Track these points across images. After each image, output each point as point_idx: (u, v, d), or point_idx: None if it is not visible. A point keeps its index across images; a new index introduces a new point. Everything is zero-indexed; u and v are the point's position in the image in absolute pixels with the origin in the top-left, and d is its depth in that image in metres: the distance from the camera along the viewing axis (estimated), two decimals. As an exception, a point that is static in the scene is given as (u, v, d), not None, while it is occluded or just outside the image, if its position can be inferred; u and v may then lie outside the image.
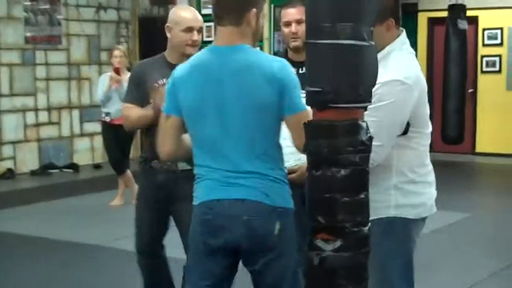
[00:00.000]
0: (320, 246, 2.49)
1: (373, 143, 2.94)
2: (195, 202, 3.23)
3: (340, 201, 2.46)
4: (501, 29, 12.00)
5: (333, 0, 2.45)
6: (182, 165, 4.07)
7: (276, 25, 11.06)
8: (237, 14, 3.04)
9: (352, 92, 2.45)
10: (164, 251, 4.42)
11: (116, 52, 8.26)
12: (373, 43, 2.49)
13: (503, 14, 11.88)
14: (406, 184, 3.30)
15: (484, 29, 12.14)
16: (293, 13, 4.07)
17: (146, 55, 12.11)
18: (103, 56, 11.97)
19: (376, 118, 3.05)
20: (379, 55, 3.23)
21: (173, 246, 4.39)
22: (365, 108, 2.54)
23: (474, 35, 11.95)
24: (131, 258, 4.53)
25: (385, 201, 3.28)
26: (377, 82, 3.10)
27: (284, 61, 3.16)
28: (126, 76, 8.19)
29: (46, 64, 11.35)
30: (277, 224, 3.10)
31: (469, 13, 10.65)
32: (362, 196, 2.51)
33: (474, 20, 11.77)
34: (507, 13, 11.80)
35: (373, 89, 3.07)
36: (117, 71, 8.16)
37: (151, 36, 12.41)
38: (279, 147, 3.17)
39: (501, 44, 11.98)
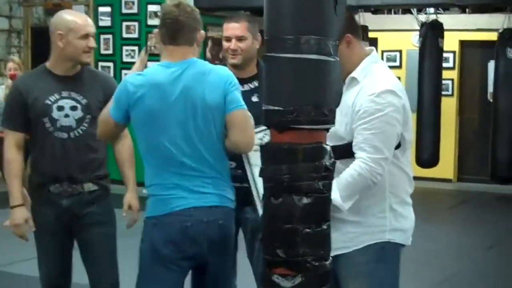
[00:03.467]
0: (278, 282, 2.26)
1: (377, 155, 2.97)
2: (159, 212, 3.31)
3: (301, 233, 2.24)
4: (400, 51, 12.13)
5: (296, 10, 2.23)
6: (88, 186, 3.81)
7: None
8: (191, 35, 3.34)
9: (316, 112, 2.23)
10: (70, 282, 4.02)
11: (10, 64, 7.83)
12: (338, 58, 2.28)
13: (402, 36, 12.00)
14: (398, 205, 3.16)
15: (383, 51, 12.23)
16: (234, 28, 3.82)
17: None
18: (-7, 66, 11.38)
19: (377, 129, 2.97)
20: (357, 72, 3.08)
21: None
22: (328, 130, 2.32)
23: (373, 57, 12.01)
24: (30, 283, 4.14)
25: (380, 225, 3.12)
26: (368, 93, 2.98)
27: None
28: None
29: None
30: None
31: (369, 34, 10.69)
32: (325, 227, 2.29)
33: (374, 42, 11.82)
34: (406, 36, 11.92)
35: (362, 100, 2.96)
36: (13, 77, 7.66)
37: (44, 47, 11.92)
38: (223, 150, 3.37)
39: (400, 66, 12.10)
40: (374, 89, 3.01)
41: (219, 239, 3.31)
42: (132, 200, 3.85)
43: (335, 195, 2.90)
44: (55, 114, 3.74)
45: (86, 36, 3.77)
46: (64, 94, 3.78)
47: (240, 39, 3.78)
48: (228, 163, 3.42)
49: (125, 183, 3.90)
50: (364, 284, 3.11)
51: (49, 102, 3.75)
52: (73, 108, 3.76)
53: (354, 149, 3.00)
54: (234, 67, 3.81)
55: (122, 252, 3.98)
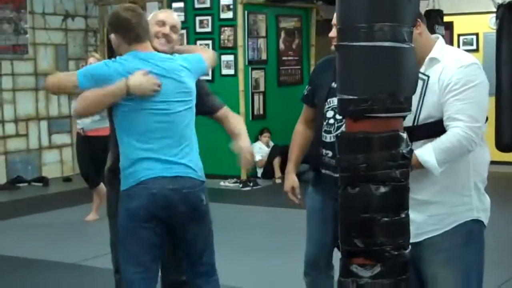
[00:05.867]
0: (357, 272, 2.25)
1: (474, 124, 2.97)
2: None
3: (379, 222, 2.22)
4: (477, 34, 11.89)
5: (368, -2, 2.20)
6: None
7: (250, 32, 10.81)
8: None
9: (391, 100, 2.21)
10: None
11: (92, 60, 7.92)
12: (413, 45, 2.25)
13: (478, 19, 11.75)
14: (481, 184, 3.17)
15: (459, 35, 12.02)
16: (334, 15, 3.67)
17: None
18: (71, 65, 11.61)
19: (470, 99, 2.99)
20: (435, 53, 3.08)
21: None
22: (404, 118, 2.29)
23: (449, 41, 11.80)
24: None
25: (467, 204, 3.11)
26: (456, 67, 3.02)
27: None
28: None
29: (12, 74, 10.94)
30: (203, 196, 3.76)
31: (444, 18, 10.52)
32: (403, 215, 2.26)
33: (449, 26, 11.63)
34: (482, 19, 11.67)
35: (451, 73, 3.00)
36: None
37: (120, 45, 12.11)
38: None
39: (477, 49, 11.85)
40: (462, 62, 3.04)
41: (187, 206, 3.66)
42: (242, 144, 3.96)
43: (431, 157, 2.92)
44: None
45: (162, 23, 3.93)
46: None
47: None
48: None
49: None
50: (454, 270, 3.09)
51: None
52: None
53: (447, 121, 3.00)
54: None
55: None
